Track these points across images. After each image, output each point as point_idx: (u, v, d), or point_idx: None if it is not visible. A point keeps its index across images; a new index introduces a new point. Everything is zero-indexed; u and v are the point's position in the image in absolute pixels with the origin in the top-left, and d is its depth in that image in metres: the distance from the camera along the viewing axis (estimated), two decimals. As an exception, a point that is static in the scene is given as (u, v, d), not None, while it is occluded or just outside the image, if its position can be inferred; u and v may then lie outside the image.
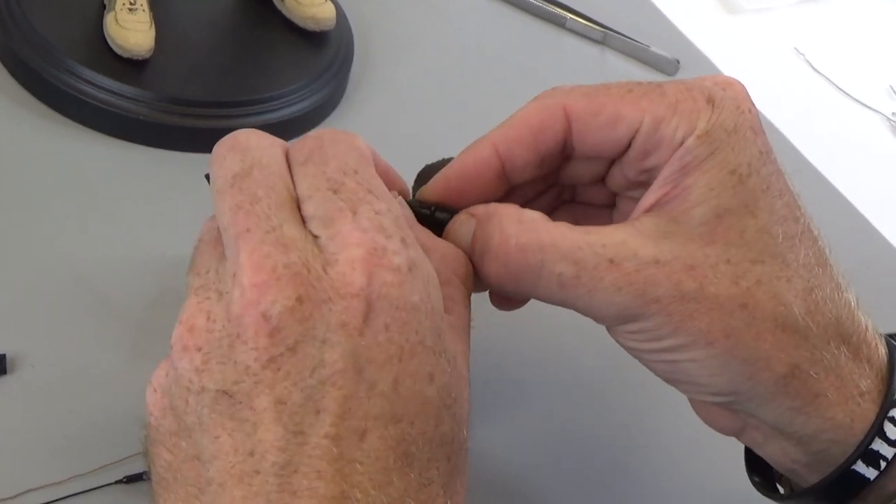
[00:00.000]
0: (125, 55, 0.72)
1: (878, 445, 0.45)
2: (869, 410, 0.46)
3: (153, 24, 0.74)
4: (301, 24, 0.81)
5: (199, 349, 0.38)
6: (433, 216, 0.46)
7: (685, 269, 0.43)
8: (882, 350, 0.47)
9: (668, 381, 0.47)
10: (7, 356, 0.57)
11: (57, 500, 0.52)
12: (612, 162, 0.48)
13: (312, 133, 0.42)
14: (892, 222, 0.91)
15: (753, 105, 0.45)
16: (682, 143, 0.43)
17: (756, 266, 0.43)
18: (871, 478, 0.45)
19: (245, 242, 0.38)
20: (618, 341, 0.47)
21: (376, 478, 0.37)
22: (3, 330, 0.58)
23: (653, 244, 0.43)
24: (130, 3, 0.74)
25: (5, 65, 0.75)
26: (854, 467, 0.46)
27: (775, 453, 0.49)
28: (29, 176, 0.67)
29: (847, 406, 0.45)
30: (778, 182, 0.45)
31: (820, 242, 0.46)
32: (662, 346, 0.44)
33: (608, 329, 0.46)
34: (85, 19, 0.76)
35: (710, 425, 0.50)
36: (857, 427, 0.45)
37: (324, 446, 0.36)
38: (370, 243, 0.38)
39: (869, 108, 1.07)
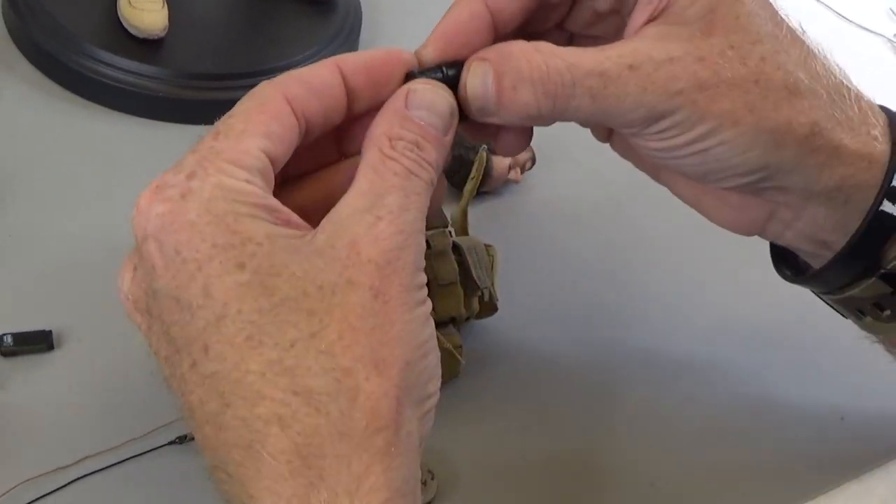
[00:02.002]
0: (140, 35, 0.74)
1: None
2: (883, 152, 0.50)
3: (165, 4, 0.76)
4: (307, -9, 0.83)
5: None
6: (445, 75, 0.48)
7: (697, 61, 0.46)
8: (877, 108, 0.51)
9: (701, 175, 0.51)
10: (53, 333, 0.59)
11: (114, 464, 0.54)
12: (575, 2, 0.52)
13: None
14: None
15: None
16: None
17: (756, 46, 0.47)
18: None
19: None
20: (650, 151, 0.50)
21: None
22: (48, 308, 0.60)
23: (662, 46, 0.46)
24: (142, -15, 0.76)
25: (25, 53, 0.77)
26: (882, 208, 0.50)
27: (806, 228, 0.53)
28: (58, 158, 0.69)
29: (865, 150, 0.49)
30: None
31: (791, 22, 0.49)
32: (694, 136, 0.48)
33: (637, 138, 0.49)
34: (99, 3, 0.78)
35: (735, 228, 0.54)
36: (875, 168, 0.50)
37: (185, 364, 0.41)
38: (156, 182, 0.42)
39: (871, 31, 1.08)
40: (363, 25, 0.85)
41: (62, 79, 0.76)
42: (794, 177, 0.50)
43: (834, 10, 1.09)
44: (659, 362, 0.68)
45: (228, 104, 0.74)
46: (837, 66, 0.50)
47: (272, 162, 0.43)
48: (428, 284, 0.44)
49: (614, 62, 0.46)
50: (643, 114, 0.47)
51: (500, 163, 0.73)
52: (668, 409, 0.66)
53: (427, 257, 0.47)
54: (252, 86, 0.74)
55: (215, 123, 0.44)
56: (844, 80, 0.50)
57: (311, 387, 0.40)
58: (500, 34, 0.50)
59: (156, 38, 0.75)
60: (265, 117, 0.43)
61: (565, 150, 0.78)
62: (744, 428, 0.65)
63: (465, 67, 0.47)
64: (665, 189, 0.56)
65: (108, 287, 0.62)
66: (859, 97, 0.50)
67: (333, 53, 0.80)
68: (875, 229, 0.50)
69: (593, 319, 0.70)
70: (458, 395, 0.62)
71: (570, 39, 0.54)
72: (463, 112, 0.47)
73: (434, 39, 0.49)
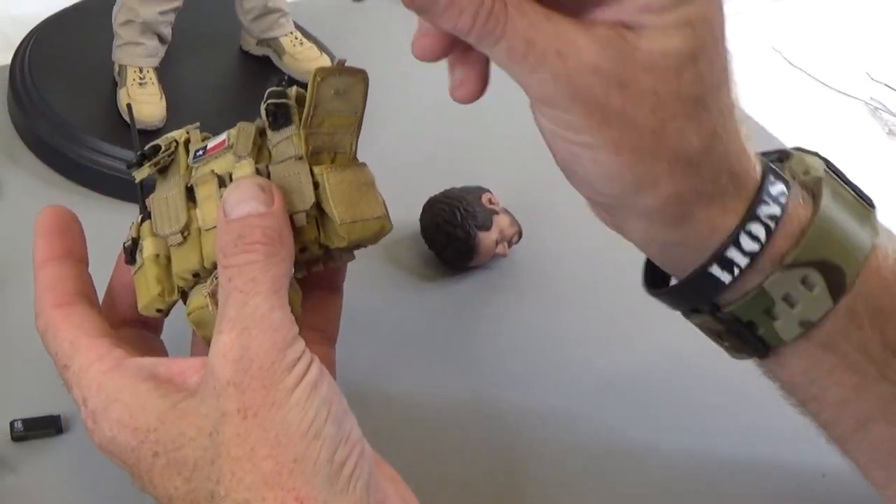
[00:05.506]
0: (140, 126, 0.77)
1: (733, 254, 0.50)
2: (730, 224, 0.50)
3: (163, 95, 0.79)
4: (300, 77, 0.86)
5: None
6: None
7: (617, 85, 0.46)
8: (754, 174, 0.51)
9: (564, 169, 0.51)
10: (62, 417, 0.61)
11: (119, 543, 0.56)
12: None
13: None
14: (879, 202, 0.94)
15: None
16: None
17: (677, 104, 0.47)
18: (726, 282, 0.51)
19: None
20: (537, 118, 0.50)
21: None
22: (56, 394, 0.61)
23: (599, 51, 0.46)
24: (140, 78, 0.79)
25: (28, 145, 0.80)
26: (710, 270, 0.51)
27: (651, 256, 0.56)
28: (63, 248, 0.72)
29: (710, 222, 0.50)
30: (723, 34, 0.48)
31: (733, 85, 0.50)
32: (574, 139, 0.48)
33: (532, 106, 0.50)
34: (99, 97, 0.81)
35: (597, 216, 0.55)
36: (714, 238, 0.51)
37: None
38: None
39: (848, 95, 1.10)
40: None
41: (65, 169, 0.78)
42: (635, 221, 0.52)
43: (811, 76, 1.12)
44: (646, 421, 0.70)
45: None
46: (744, 130, 0.51)
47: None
48: None
49: (547, 38, 0.46)
50: (541, 94, 0.48)
51: (488, 238, 0.75)
52: (642, 464, 0.67)
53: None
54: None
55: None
56: (745, 146, 0.50)
57: None
58: None
59: (154, 128, 0.78)
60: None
61: (551, 224, 0.81)
62: (721, 486, 0.66)
63: None
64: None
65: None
66: (746, 166, 0.50)
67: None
68: (702, 284, 0.52)
69: (582, 386, 0.71)
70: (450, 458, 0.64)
71: None
72: None
73: None
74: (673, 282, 0.56)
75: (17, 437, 0.60)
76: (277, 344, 0.45)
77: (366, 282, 0.70)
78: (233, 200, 0.49)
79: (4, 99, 0.84)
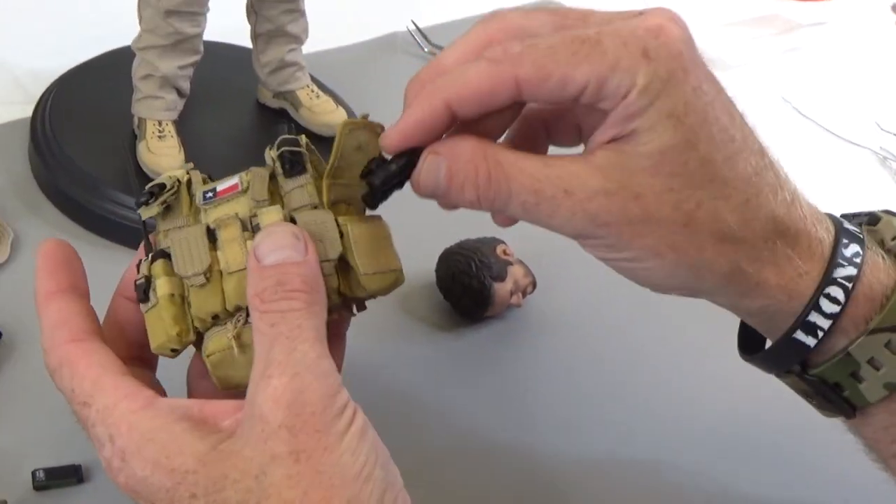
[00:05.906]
0: (160, 180, 0.78)
1: (815, 318, 0.52)
2: (807, 288, 0.52)
3: (182, 148, 0.80)
4: (317, 130, 0.87)
5: None
6: (404, 163, 0.52)
7: (632, 198, 0.48)
8: (824, 235, 0.53)
9: (630, 279, 0.53)
10: (82, 467, 0.62)
11: (142, 592, 0.57)
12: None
13: None
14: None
15: (685, 43, 0.49)
16: (625, 96, 0.47)
17: (697, 191, 0.48)
18: (812, 345, 0.52)
19: None
20: (584, 249, 0.52)
21: None
22: (77, 444, 0.62)
23: (603, 176, 0.48)
24: (159, 132, 0.80)
25: (50, 198, 0.81)
26: (795, 336, 0.52)
27: (746, 321, 0.57)
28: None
29: (787, 287, 0.52)
30: (714, 109, 0.49)
31: (757, 146, 0.51)
32: (620, 257, 0.51)
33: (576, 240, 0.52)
34: (119, 150, 0.82)
35: None
36: (794, 303, 0.52)
37: None
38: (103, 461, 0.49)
39: (857, 145, 1.12)
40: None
41: (84, 221, 0.80)
42: (715, 298, 0.53)
43: (821, 126, 1.13)
44: (667, 474, 0.70)
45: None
46: (790, 193, 0.51)
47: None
48: None
49: (552, 183, 0.49)
50: (572, 231, 0.50)
51: (502, 288, 0.76)
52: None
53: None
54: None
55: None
56: (792, 209, 0.51)
57: None
58: (459, 120, 0.51)
59: (173, 180, 0.79)
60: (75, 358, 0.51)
61: (565, 274, 0.81)
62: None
63: (421, 157, 0.51)
64: (664, 310, 0.58)
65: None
66: (802, 229, 0.51)
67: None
68: (789, 349, 0.53)
69: (596, 436, 0.72)
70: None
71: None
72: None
73: (396, 135, 0.52)
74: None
75: (38, 486, 0.61)
76: (328, 390, 0.46)
77: (383, 332, 0.71)
78: (267, 247, 0.49)
79: (26, 152, 0.85)
